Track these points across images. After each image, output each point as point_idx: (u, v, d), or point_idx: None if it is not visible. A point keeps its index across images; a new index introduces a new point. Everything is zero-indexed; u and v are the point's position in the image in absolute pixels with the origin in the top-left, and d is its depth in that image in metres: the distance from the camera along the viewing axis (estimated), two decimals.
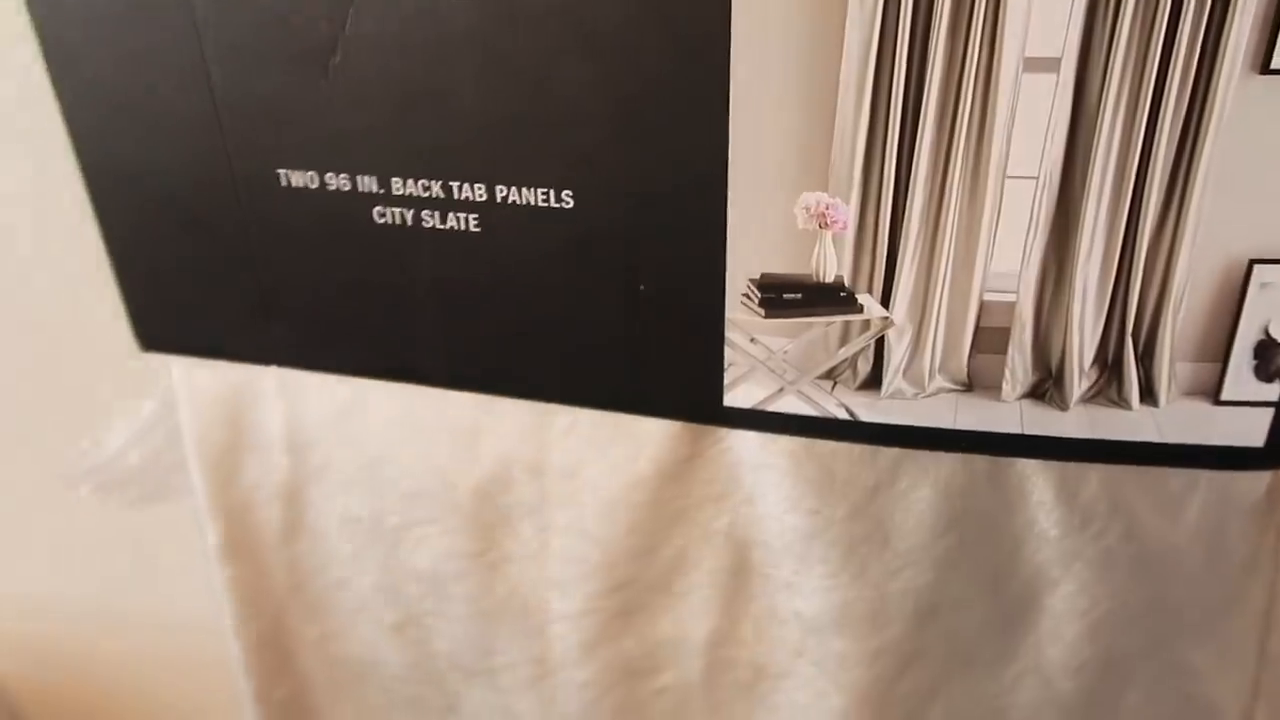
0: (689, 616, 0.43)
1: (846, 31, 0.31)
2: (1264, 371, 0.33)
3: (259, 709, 0.49)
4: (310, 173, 0.38)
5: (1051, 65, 0.30)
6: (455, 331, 0.40)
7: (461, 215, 0.37)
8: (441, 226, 0.38)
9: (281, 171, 0.38)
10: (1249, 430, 0.34)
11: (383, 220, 0.38)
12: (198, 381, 0.44)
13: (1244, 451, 0.35)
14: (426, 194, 0.37)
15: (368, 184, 0.38)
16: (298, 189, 0.38)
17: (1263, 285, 0.32)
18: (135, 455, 0.47)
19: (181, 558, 0.50)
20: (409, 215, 0.38)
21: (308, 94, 0.36)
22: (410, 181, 0.37)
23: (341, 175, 0.38)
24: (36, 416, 0.50)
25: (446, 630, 0.46)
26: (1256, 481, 0.35)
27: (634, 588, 0.42)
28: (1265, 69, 0.29)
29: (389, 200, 0.38)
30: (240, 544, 0.46)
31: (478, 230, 0.37)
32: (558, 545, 0.43)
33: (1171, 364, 0.33)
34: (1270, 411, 0.34)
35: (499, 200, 0.36)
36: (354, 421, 0.43)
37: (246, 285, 0.41)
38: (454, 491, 0.43)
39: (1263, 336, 0.33)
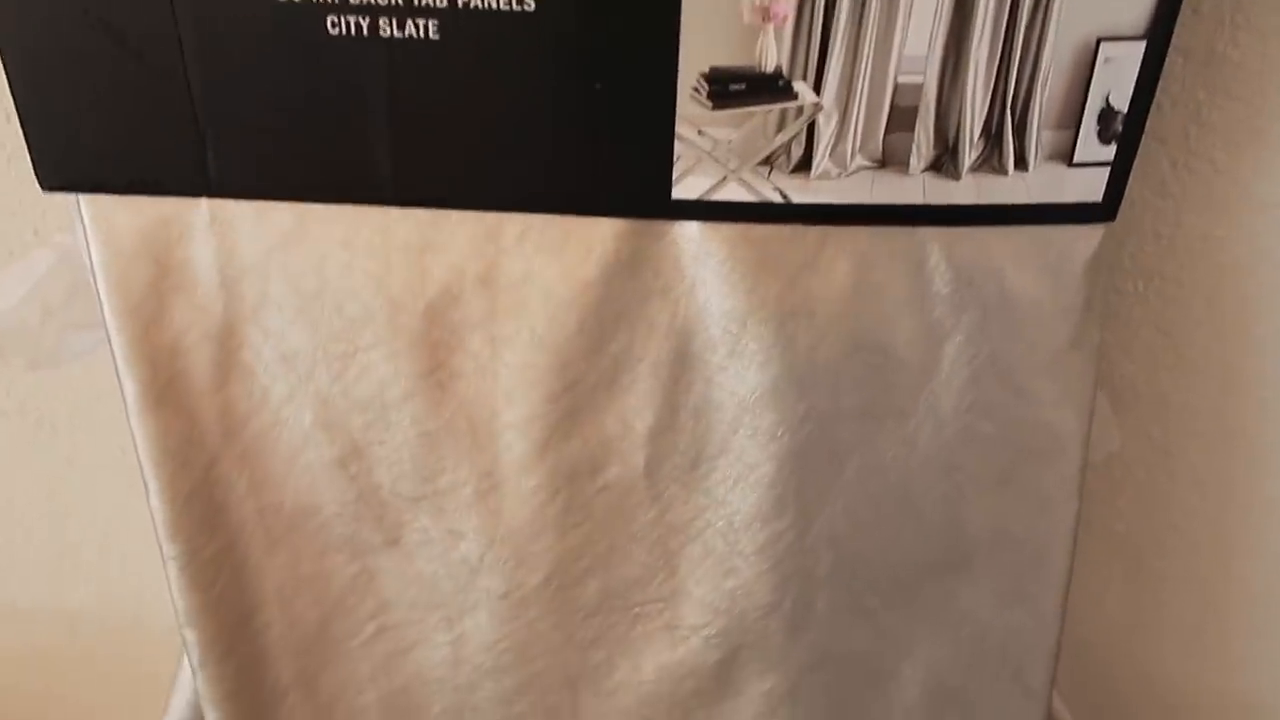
0: (632, 411, 0.47)
1: None
2: (1104, 135, 0.42)
3: (185, 571, 0.48)
4: None
5: None
6: (406, 146, 0.41)
7: (421, 22, 0.39)
8: (399, 35, 0.39)
9: None
10: (1092, 188, 0.43)
11: (336, 31, 0.39)
12: (115, 221, 0.42)
13: (1088, 206, 0.43)
14: (385, 1, 0.38)
15: None
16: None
17: (1106, 60, 0.40)
18: (32, 312, 0.45)
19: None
20: (365, 24, 0.39)
21: None
22: None
23: None
24: None
25: (390, 458, 0.47)
26: (1094, 234, 0.44)
27: (580, 388, 0.46)
28: None
29: (344, 8, 0.38)
30: (167, 393, 0.45)
31: (437, 38, 0.39)
32: (507, 356, 0.45)
33: (1039, 132, 0.41)
34: (1108, 170, 0.43)
35: (460, 5, 0.38)
36: (294, 250, 0.43)
37: (178, 109, 0.40)
38: (401, 313, 0.44)
39: (1104, 105, 0.41)
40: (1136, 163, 0.43)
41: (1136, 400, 0.58)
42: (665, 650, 0.52)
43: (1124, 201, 0.43)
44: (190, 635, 0.50)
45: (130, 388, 0.45)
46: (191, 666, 0.51)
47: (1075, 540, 0.51)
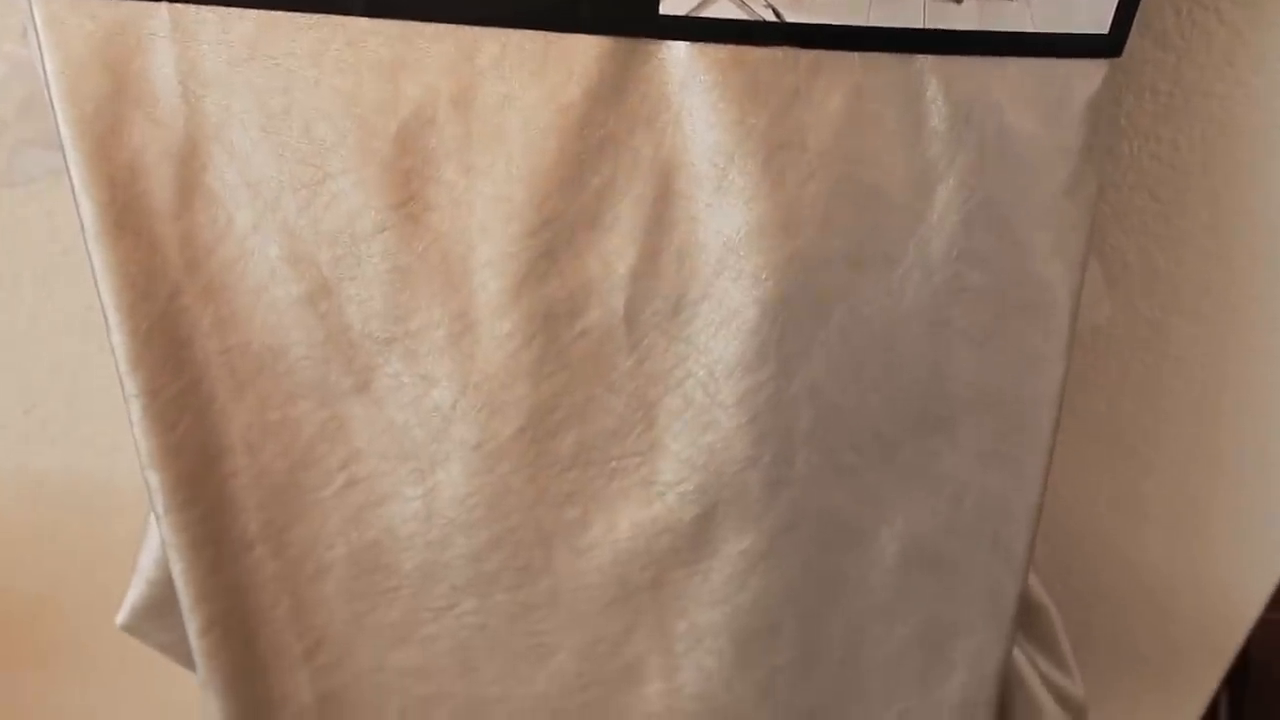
0: (612, 251, 0.45)
1: None
2: None
3: (148, 410, 0.47)
4: None
5: None
6: None
7: None
8: None
9: None
10: (1099, 18, 0.41)
11: None
12: (69, 26, 0.40)
13: (1093, 38, 0.42)
14: None
15: None
16: None
17: None
18: None
19: None
20: None
21: None
22: None
23: None
24: None
25: (360, 295, 0.46)
26: (1097, 72, 0.42)
27: (559, 223, 0.44)
28: None
29: None
30: (126, 216, 0.43)
31: None
32: (482, 187, 0.43)
33: None
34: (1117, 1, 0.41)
35: None
36: (260, 64, 0.41)
37: None
38: (372, 136, 0.42)
39: None
40: (1136, 11, 0.41)
41: (1125, 272, 0.57)
42: (641, 507, 0.51)
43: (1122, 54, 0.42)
44: (153, 478, 0.49)
45: (88, 210, 0.43)
46: (155, 514, 0.50)
47: (1061, 403, 0.50)
